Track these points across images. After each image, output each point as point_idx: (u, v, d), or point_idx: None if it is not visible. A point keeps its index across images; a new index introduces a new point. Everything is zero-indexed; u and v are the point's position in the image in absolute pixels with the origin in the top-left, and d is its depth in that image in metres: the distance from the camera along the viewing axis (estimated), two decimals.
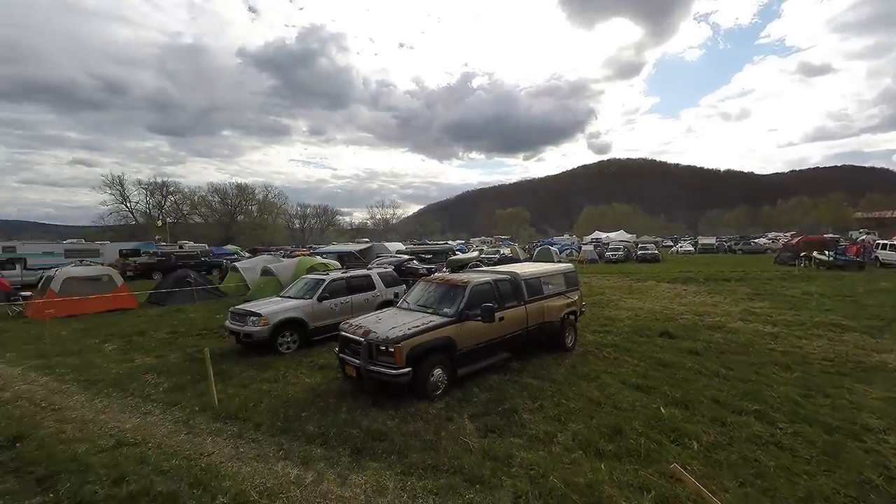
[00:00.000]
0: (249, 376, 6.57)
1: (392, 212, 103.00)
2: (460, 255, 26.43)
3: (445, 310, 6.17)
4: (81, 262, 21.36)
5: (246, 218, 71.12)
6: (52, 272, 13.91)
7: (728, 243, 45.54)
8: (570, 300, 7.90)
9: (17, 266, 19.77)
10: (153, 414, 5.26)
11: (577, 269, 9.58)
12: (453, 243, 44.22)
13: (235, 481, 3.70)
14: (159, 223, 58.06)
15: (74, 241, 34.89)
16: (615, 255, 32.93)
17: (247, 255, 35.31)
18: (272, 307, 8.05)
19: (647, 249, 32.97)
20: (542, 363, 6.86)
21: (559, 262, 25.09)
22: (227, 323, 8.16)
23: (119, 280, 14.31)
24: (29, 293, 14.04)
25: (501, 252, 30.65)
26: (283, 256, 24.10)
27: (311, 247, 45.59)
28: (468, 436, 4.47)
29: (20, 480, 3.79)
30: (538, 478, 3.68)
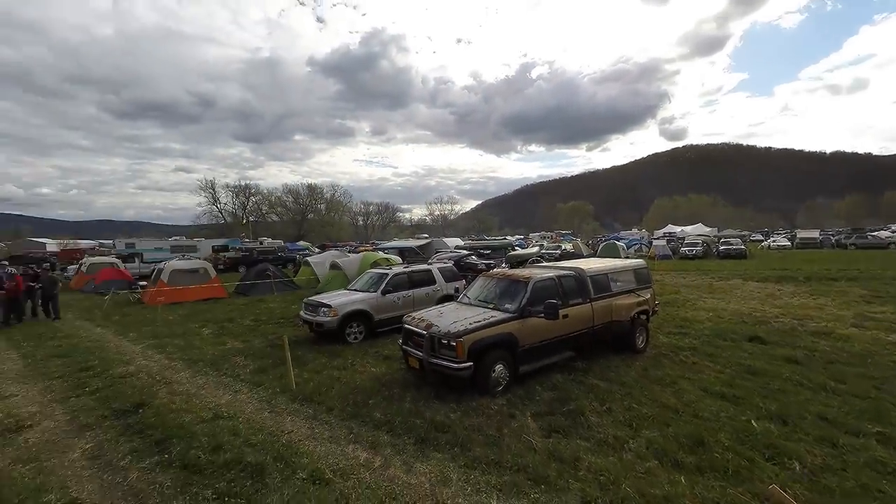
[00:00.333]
0: (321, 363, 7.06)
1: (450, 208, 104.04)
2: (519, 251, 25.91)
3: (507, 305, 6.09)
4: (183, 256, 24.51)
5: (315, 216, 76.43)
6: (161, 265, 16.15)
7: (837, 237, 39.29)
8: (640, 298, 7.37)
9: (136, 260, 23.26)
10: (242, 392, 5.88)
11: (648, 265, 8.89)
12: (512, 239, 43.54)
13: (312, 459, 4.01)
14: (243, 222, 64.78)
15: (178, 238, 40.06)
16: (692, 250, 30.06)
17: (316, 250, 37.98)
18: (341, 299, 8.56)
19: (731, 244, 29.66)
20: (609, 364, 6.49)
21: (627, 257, 23.55)
22: (302, 313, 8.84)
23: (213, 272, 16.19)
24: (145, 283, 16.44)
25: (563, 248, 29.51)
26: (349, 252, 25.58)
27: (373, 243, 47.76)
28: (531, 434, 4.38)
29: (143, 441, 4.47)
30: (608, 485, 3.49)
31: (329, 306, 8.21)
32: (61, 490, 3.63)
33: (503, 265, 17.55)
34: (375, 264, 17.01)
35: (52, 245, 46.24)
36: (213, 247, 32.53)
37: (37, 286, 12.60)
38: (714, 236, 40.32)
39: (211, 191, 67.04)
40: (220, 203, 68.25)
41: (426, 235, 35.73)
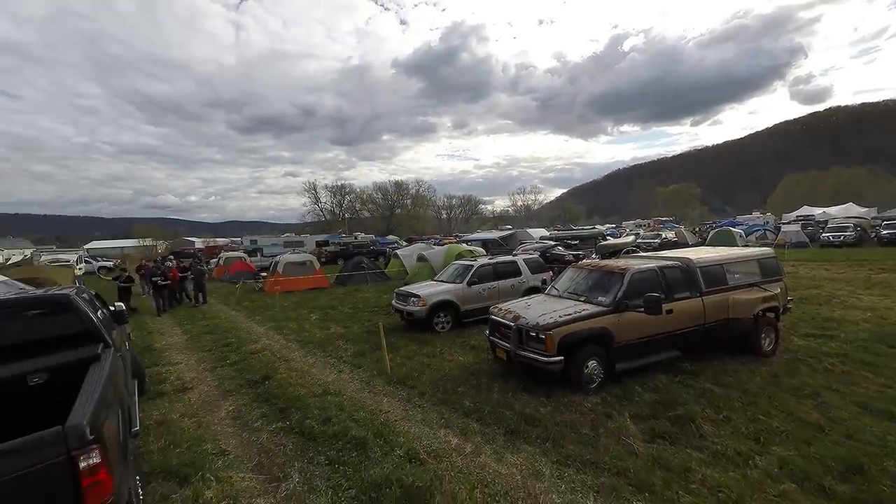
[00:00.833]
0: (412, 349, 7.45)
1: (533, 198, 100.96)
2: (612, 241, 24.09)
3: (600, 298, 5.70)
4: (294, 250, 27.92)
5: (402, 211, 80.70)
6: (277, 258, 18.59)
7: None
8: (766, 293, 6.28)
9: (258, 254, 27.18)
10: (344, 373, 6.51)
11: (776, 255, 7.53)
12: (602, 228, 40.60)
13: (407, 439, 4.27)
14: (340, 219, 71.37)
15: (289, 234, 45.67)
16: (840, 236, 24.64)
17: (404, 243, 40.14)
18: (429, 290, 8.91)
19: None
20: (725, 368, 5.69)
21: (746, 246, 20.24)
22: (394, 302, 9.42)
23: (317, 265, 18.14)
24: (265, 274, 19.14)
25: (663, 236, 26.62)
26: (434, 244, 26.50)
27: (456, 235, 48.76)
28: (631, 437, 4.06)
29: (270, 408, 5.24)
30: (729, 503, 3.07)
31: (418, 296, 8.60)
32: (213, 442, 4.44)
33: (593, 256, 16.48)
34: (460, 256, 17.37)
35: (199, 243, 56.57)
36: (316, 242, 36.45)
37: (189, 276, 15.50)
38: (872, 218, 32.50)
39: (313, 192, 75.04)
40: (320, 202, 76.05)
41: (509, 226, 35.28)
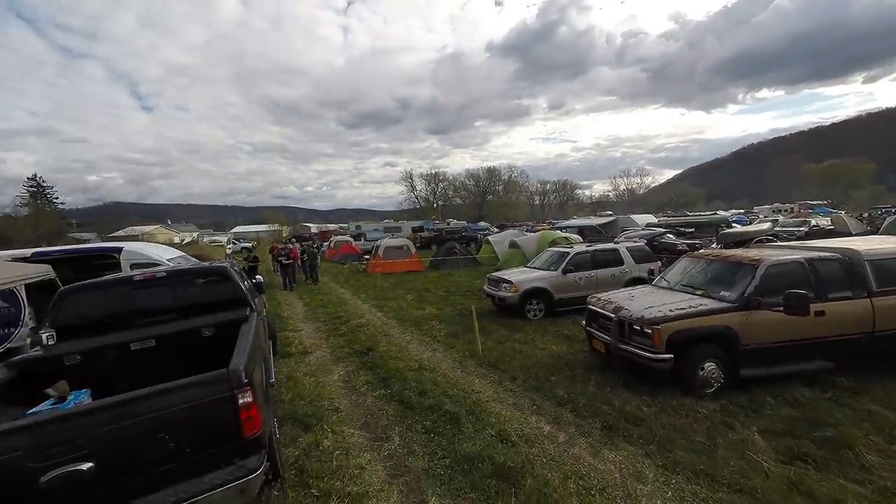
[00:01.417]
0: (503, 334, 7.47)
1: (639, 180, 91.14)
2: (738, 229, 20.57)
3: (723, 293, 4.96)
4: (392, 235, 29.99)
5: (494, 197, 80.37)
6: (378, 242, 20.19)
7: None
8: None
9: (362, 238, 29.86)
10: (438, 351, 6.84)
11: None
12: (726, 214, 34.83)
13: (499, 419, 4.34)
14: (434, 206, 74.19)
15: (388, 220, 49.12)
16: None
17: (495, 230, 40.11)
18: (521, 276, 8.78)
19: None
20: None
21: None
22: (485, 287, 9.52)
23: (413, 249, 19.21)
24: (368, 256, 20.99)
25: (812, 223, 21.83)
26: (526, 231, 25.90)
27: (550, 221, 46.88)
28: (760, 454, 3.50)
29: (374, 375, 5.81)
30: None
31: (510, 282, 8.55)
32: (329, 399, 5.11)
33: (713, 245, 14.32)
34: (554, 243, 16.72)
35: (314, 228, 64.53)
36: (412, 228, 38.59)
37: (304, 257, 17.77)
38: None
39: (409, 180, 79.16)
40: (415, 190, 79.90)
41: (609, 212, 32.52)
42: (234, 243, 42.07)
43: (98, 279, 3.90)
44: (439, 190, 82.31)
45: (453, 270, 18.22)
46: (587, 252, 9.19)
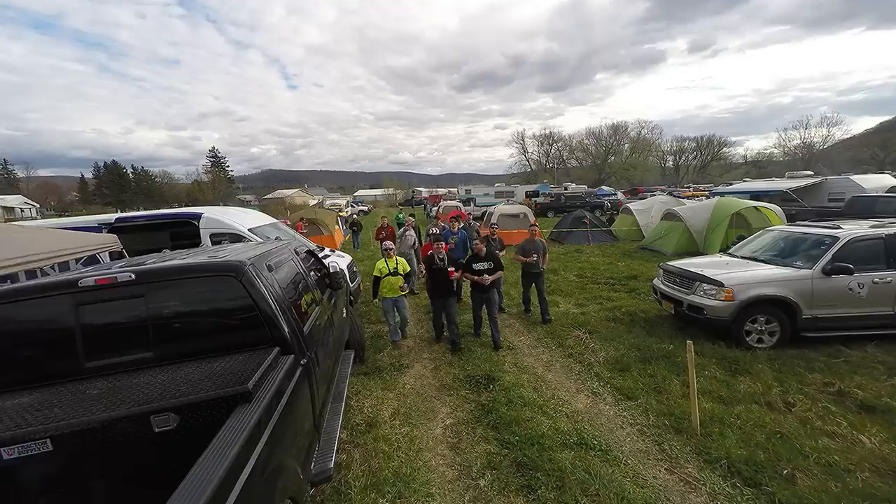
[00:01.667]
0: (719, 380, 4.31)
1: (825, 131, 68.18)
2: None
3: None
4: (507, 200, 27.10)
5: (617, 159, 69.97)
6: (492, 208, 17.67)
7: None
8: None
9: (471, 203, 27.70)
10: (604, 400, 4.09)
11: None
12: None
13: None
14: (546, 168, 68.00)
15: (500, 184, 46.01)
16: None
17: (621, 195, 33.87)
18: (739, 274, 5.27)
19: None
20: None
21: None
22: (659, 283, 6.26)
23: (532, 218, 16.16)
24: (478, 223, 18.72)
25: None
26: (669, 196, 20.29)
27: (689, 186, 37.91)
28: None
29: (499, 441, 3.41)
30: None
31: (718, 283, 5.16)
32: (425, 491, 2.95)
33: None
34: (739, 217, 11.92)
35: (425, 192, 65.30)
36: (525, 192, 34.93)
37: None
38: None
39: (520, 142, 73.81)
40: (527, 152, 74.29)
41: (809, 172, 23.73)
42: (352, 206, 44.51)
43: (21, 284, 2.29)
44: (553, 152, 75.09)
45: (581, 245, 14.81)
46: (877, 237, 5.11)
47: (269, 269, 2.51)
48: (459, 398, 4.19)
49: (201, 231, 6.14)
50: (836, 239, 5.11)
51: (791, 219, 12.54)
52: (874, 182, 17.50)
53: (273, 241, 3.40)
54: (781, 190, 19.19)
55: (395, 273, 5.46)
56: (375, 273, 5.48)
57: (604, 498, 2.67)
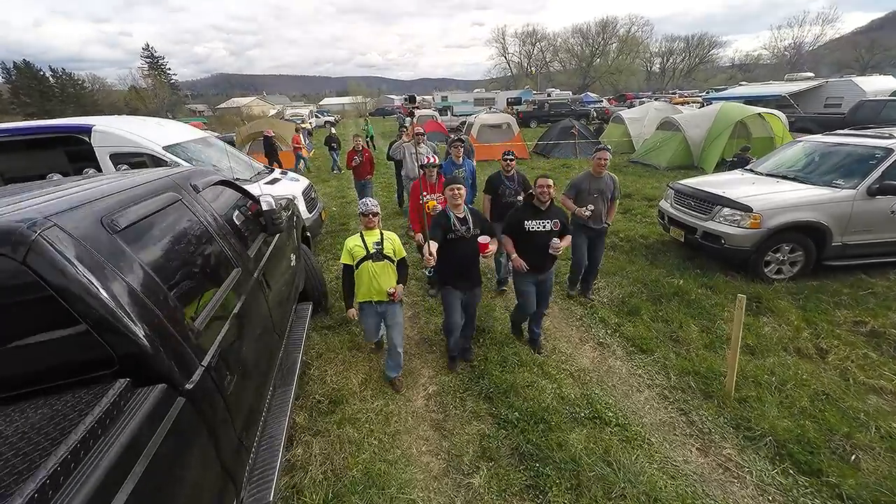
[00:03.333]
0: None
1: (819, 30, 63.79)
2: None
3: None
4: (488, 109, 24.64)
5: (603, 61, 64.68)
6: (472, 118, 15.81)
7: None
8: None
9: (448, 112, 25.17)
10: (614, 354, 3.48)
11: None
12: None
13: None
14: (528, 73, 62.50)
15: (479, 90, 42.09)
16: None
17: (606, 102, 31.62)
18: (769, 197, 4.45)
19: None
20: None
21: None
22: (668, 205, 5.44)
23: (516, 129, 14.60)
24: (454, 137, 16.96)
25: None
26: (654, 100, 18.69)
27: (675, 92, 35.66)
28: None
29: (495, 418, 2.80)
30: None
31: (745, 208, 4.35)
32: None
33: None
34: (742, 126, 10.86)
35: (397, 101, 59.54)
36: (507, 100, 32.02)
37: None
38: None
39: (501, 40, 66.34)
40: (507, 53, 67.36)
41: (810, 74, 22.21)
42: (316, 117, 40.17)
43: None
44: (535, 52, 68.32)
45: (568, 159, 13.71)
46: None
47: (112, 228, 1.42)
48: (443, 354, 3.49)
49: (96, 150, 4.63)
50: (890, 152, 4.27)
51: (789, 128, 11.64)
52: (876, 84, 16.43)
53: (153, 172, 2.18)
54: (779, 95, 17.95)
55: (378, 255, 2.83)
56: (345, 258, 2.89)
57: (631, 501, 2.11)
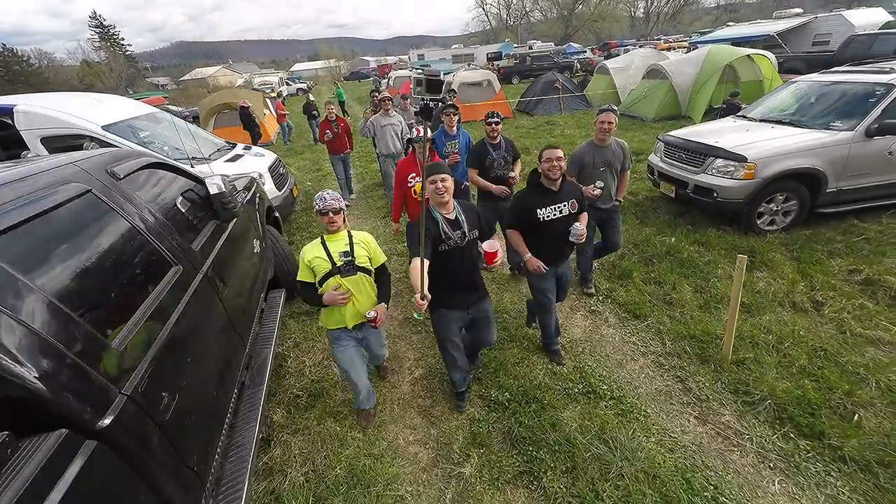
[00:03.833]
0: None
1: None
2: None
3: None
4: (468, 65, 23.38)
5: (585, 8, 61.52)
6: (450, 77, 14.95)
7: None
8: None
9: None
10: (602, 317, 3.35)
11: None
12: None
13: None
14: (507, 25, 59.30)
15: (457, 46, 39.93)
16: None
17: (593, 53, 30.27)
18: (763, 144, 4.21)
19: None
20: None
21: None
22: (657, 160, 5.18)
23: (497, 86, 13.86)
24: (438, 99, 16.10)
25: None
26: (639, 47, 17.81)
27: (659, 38, 34.25)
28: None
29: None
30: None
31: (739, 158, 4.11)
32: None
33: None
34: (731, 70, 10.39)
35: (373, 62, 56.36)
36: (487, 55, 30.45)
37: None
38: None
39: None
40: (486, 4, 63.45)
41: (799, 10, 21.33)
42: (287, 84, 37.92)
43: None
44: (515, 1, 64.43)
45: (553, 115, 13.18)
46: None
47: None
48: (428, 335, 3.32)
49: (23, 134, 4.10)
50: (891, 88, 4.02)
51: (778, 69, 11.21)
52: (865, 18, 15.84)
53: (53, 158, 1.79)
54: (766, 34, 17.27)
55: (349, 268, 2.15)
56: (302, 274, 2.19)
57: (629, 480, 2.01)
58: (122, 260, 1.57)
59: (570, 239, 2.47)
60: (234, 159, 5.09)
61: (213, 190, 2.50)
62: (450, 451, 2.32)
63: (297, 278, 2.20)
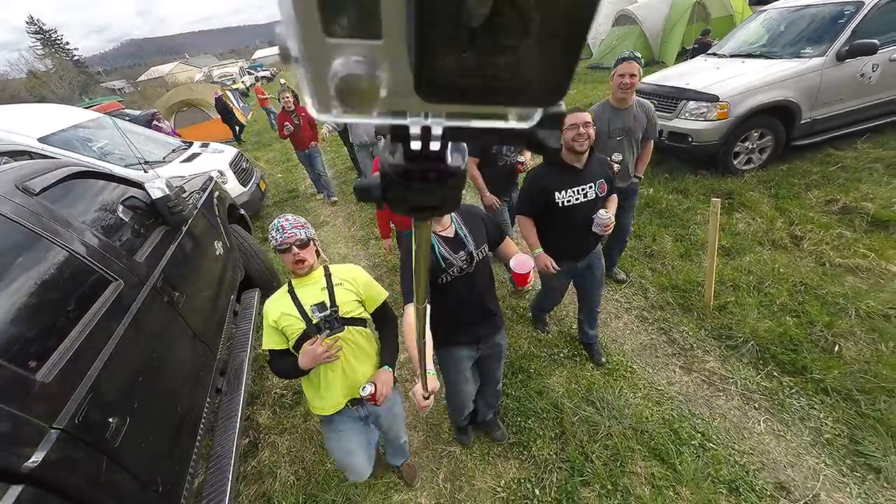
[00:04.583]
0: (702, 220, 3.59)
1: None
2: None
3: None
4: None
5: None
6: None
7: None
8: None
9: None
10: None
11: None
12: None
13: None
14: None
15: None
16: None
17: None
18: (735, 81, 4.06)
19: None
20: None
21: None
22: None
23: None
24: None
25: None
26: None
27: None
28: None
29: None
30: None
31: (711, 97, 3.99)
32: None
33: None
34: (699, 6, 10.04)
35: None
36: None
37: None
38: None
39: None
40: None
41: None
42: (249, 73, 36.21)
43: None
44: None
45: None
46: None
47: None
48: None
49: None
50: (860, 5, 3.86)
51: (749, 1, 10.87)
52: None
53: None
54: None
55: (332, 324, 1.50)
56: (268, 340, 1.52)
57: (617, 439, 2.00)
58: (44, 286, 1.44)
59: (594, 230, 2.00)
60: (190, 159, 4.82)
61: (155, 194, 2.33)
62: (439, 431, 2.30)
63: (263, 346, 1.55)
